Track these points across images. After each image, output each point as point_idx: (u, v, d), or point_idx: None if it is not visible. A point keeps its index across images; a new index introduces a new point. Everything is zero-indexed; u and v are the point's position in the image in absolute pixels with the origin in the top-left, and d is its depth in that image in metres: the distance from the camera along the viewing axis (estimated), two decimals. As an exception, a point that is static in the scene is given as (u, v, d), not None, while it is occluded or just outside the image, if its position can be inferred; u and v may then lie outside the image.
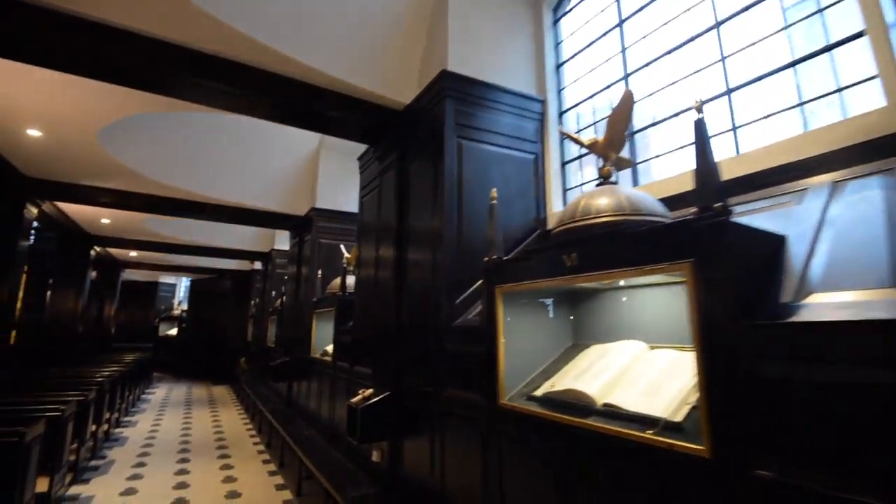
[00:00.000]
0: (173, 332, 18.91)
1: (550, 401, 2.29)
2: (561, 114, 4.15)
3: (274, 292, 11.06)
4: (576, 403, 2.14)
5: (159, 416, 9.14)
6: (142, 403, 10.66)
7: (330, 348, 6.10)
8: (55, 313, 10.19)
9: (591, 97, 3.84)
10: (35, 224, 12.47)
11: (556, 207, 3.91)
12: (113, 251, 13.07)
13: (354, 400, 3.77)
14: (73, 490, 4.96)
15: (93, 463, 5.88)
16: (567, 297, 2.88)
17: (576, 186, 3.94)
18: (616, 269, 1.95)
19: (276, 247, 11.49)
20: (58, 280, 10.44)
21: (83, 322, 10.95)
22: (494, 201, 2.84)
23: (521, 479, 2.30)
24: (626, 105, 2.40)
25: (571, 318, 2.90)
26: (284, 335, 8.44)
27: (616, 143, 2.54)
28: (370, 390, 3.83)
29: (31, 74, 4.27)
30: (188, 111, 5.71)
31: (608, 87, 3.69)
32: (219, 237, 11.70)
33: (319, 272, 6.87)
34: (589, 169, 3.88)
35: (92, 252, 11.25)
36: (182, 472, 5.69)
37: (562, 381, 2.39)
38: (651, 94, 3.35)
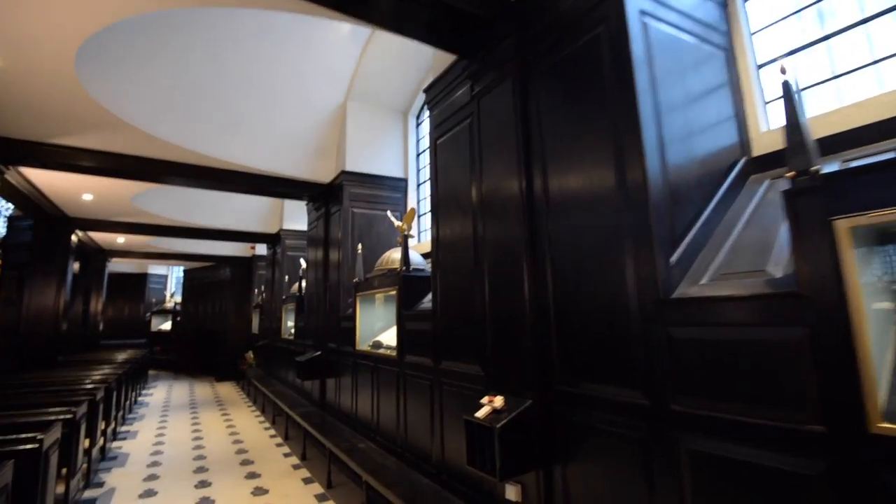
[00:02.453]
0: (167, 326, 17.47)
1: None
2: (746, -3, 2.91)
3: (287, 277, 9.75)
4: None
5: (163, 423, 7.85)
6: (139, 408, 9.35)
7: (385, 338, 4.87)
8: (34, 310, 8.77)
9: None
10: (5, 204, 10.91)
11: (761, 127, 2.70)
12: (97, 237, 11.57)
13: (480, 414, 2.56)
14: (65, 538, 3.71)
15: (87, 495, 4.62)
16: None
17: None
18: None
19: (286, 226, 10.13)
20: (35, 272, 9.00)
21: (66, 319, 9.53)
22: (787, 75, 1.62)
23: None
24: None
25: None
26: (310, 326, 7.17)
27: None
28: (498, 398, 2.62)
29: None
30: (187, 18, 4.35)
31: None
32: (217, 217, 10.29)
33: (360, 247, 5.60)
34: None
35: (73, 238, 9.78)
36: (205, 501, 4.45)
37: None
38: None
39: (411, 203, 6.50)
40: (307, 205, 7.83)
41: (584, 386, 2.33)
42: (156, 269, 18.98)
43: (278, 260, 10.51)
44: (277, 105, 6.08)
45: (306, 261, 7.95)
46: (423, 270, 4.68)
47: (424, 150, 6.54)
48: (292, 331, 8.60)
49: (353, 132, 6.34)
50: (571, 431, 2.38)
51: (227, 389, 11.74)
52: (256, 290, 13.16)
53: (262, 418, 8.18)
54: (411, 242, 5.30)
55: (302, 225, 10.18)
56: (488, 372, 2.96)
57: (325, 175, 6.77)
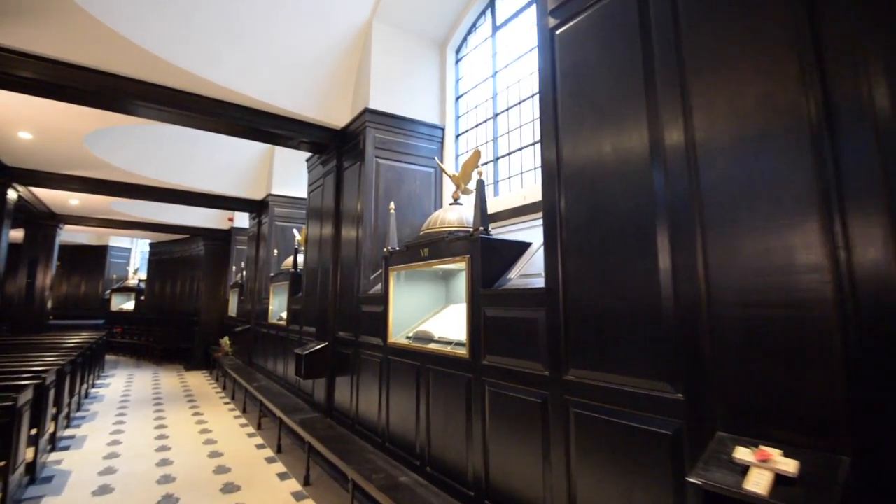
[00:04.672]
0: (129, 305, 15.63)
1: None
2: None
3: (276, 251, 8.25)
4: None
5: (119, 425, 6.32)
6: (92, 402, 7.75)
7: (436, 328, 3.54)
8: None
9: None
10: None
11: None
12: (44, 196, 9.72)
13: (759, 488, 1.27)
14: None
15: (-3, 546, 3.16)
16: None
17: None
18: None
19: (275, 191, 8.59)
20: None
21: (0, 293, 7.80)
22: None
23: None
24: None
25: None
26: (310, 310, 5.76)
27: None
28: (778, 454, 1.34)
29: None
30: None
31: None
32: (189, 176, 8.57)
33: (392, 206, 4.20)
34: None
35: (11, 194, 8.00)
36: (174, 557, 3.06)
37: None
38: None
39: (448, 158, 5.11)
40: (309, 159, 6.35)
41: None
42: (118, 241, 16.97)
43: (264, 232, 8.96)
44: (283, 15, 4.58)
45: (305, 229, 6.49)
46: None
47: (465, 93, 5.16)
48: (283, 315, 7.15)
49: (379, 61, 4.90)
50: None
51: (198, 380, 10.18)
52: (235, 268, 11.56)
53: (243, 420, 6.73)
54: (465, 201, 3.95)
55: (294, 190, 8.68)
56: (695, 396, 1.67)
57: (337, 118, 5.30)
